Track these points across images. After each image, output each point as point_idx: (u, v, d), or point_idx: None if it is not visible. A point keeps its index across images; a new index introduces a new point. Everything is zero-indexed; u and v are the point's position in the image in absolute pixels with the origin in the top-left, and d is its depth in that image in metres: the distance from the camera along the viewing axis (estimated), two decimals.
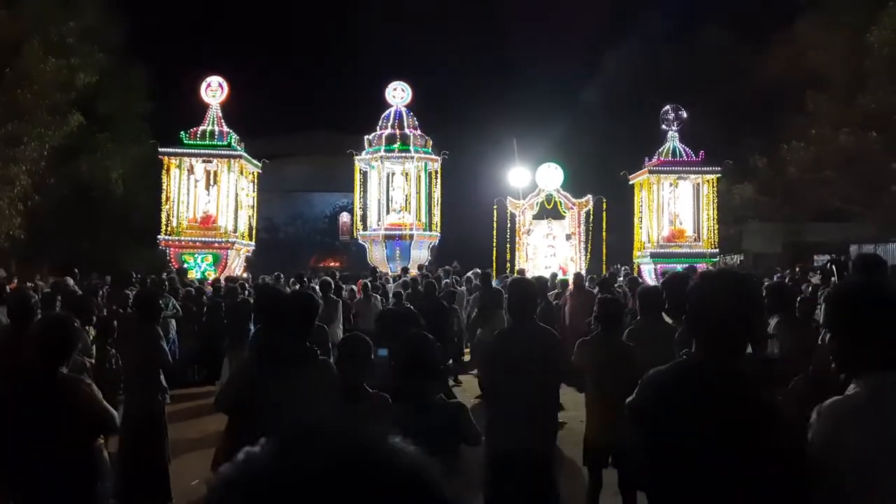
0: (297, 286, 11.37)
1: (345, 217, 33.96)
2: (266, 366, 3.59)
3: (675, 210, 18.24)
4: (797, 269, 14.77)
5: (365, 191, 19.92)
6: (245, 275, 15.99)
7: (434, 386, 3.43)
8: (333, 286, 10.13)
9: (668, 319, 5.13)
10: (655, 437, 2.15)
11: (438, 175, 19.64)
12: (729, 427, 2.01)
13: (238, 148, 17.49)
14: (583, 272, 14.98)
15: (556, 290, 12.24)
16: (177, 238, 17.10)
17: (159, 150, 17.38)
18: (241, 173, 17.97)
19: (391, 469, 0.67)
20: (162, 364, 5.65)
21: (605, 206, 18.60)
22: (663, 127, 18.26)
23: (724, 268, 16.18)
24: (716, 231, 18.29)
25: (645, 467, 2.24)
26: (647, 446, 2.20)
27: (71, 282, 10.17)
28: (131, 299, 9.77)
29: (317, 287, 10.08)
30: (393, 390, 3.41)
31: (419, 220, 19.10)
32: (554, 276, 14.36)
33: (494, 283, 14.99)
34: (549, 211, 18.53)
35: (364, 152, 19.56)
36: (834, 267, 7.71)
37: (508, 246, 18.50)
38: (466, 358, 11.68)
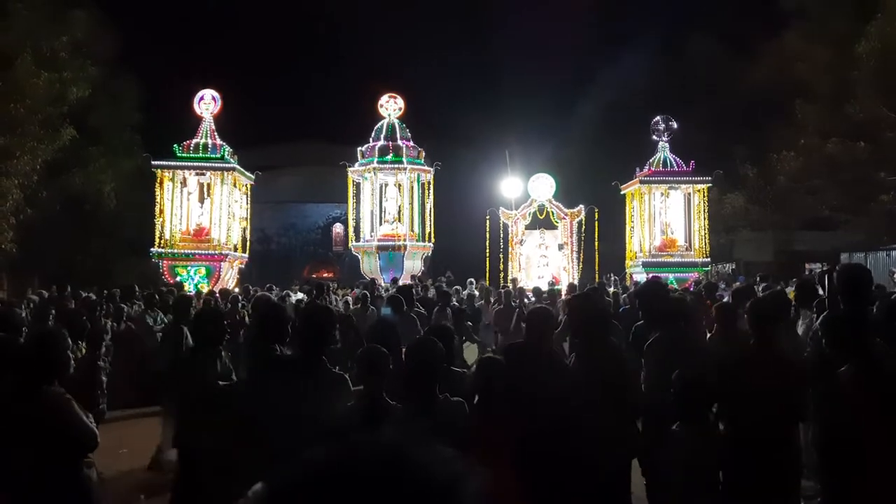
0: (315, 295, 10.77)
1: (338, 228, 33.96)
2: (276, 377, 3.49)
3: (667, 219, 18.35)
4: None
5: (358, 202, 19.94)
6: (237, 289, 15.84)
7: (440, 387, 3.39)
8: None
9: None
10: None
11: (431, 186, 19.70)
12: None
13: (231, 160, 17.50)
14: (576, 282, 15.05)
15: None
16: (170, 251, 17.08)
17: (152, 162, 17.37)
18: (235, 185, 17.97)
19: (428, 482, 0.69)
20: (92, 388, 5.22)
21: (597, 216, 18.71)
22: (654, 137, 18.40)
23: None
24: (707, 240, 18.40)
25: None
26: None
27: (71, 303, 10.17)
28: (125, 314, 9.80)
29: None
30: (400, 392, 3.40)
31: (412, 231, 19.13)
32: (550, 284, 14.43)
33: (475, 294, 14.79)
34: (542, 221, 18.63)
35: (357, 164, 19.60)
36: (826, 277, 7.71)
37: (501, 256, 18.59)
38: None
